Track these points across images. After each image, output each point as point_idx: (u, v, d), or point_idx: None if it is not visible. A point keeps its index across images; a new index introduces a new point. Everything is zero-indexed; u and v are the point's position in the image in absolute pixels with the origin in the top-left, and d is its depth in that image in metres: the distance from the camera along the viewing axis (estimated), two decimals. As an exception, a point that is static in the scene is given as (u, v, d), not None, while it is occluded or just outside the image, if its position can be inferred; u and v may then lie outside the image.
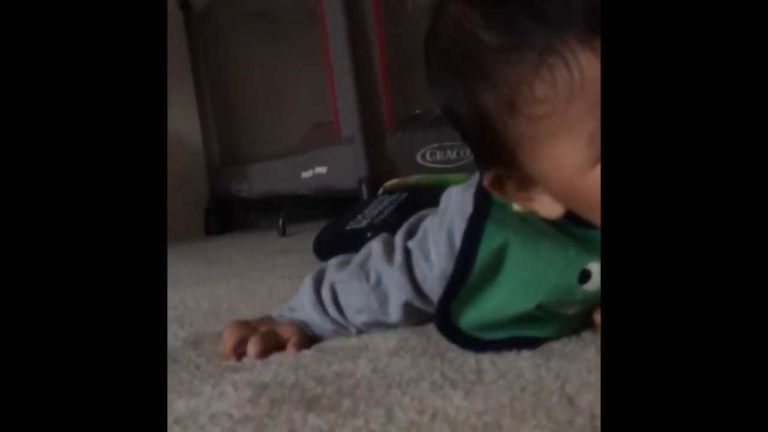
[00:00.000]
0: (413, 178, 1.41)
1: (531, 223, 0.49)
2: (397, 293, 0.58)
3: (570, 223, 0.48)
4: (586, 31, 0.38)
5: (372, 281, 0.59)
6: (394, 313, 0.58)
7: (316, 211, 1.76)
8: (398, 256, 0.58)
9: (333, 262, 0.65)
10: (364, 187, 1.42)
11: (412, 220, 0.64)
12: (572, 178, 0.43)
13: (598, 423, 0.37)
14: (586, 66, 0.38)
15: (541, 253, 0.48)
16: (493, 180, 0.47)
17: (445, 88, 0.46)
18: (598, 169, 0.41)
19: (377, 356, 0.55)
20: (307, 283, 0.62)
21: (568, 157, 0.42)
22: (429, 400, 0.44)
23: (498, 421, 0.39)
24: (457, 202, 0.55)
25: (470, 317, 0.51)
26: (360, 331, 0.62)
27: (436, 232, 0.56)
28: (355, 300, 0.60)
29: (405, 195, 1.26)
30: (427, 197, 0.77)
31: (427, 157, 1.49)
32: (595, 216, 0.45)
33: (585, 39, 0.38)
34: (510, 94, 0.41)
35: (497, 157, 0.45)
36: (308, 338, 0.61)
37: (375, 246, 0.61)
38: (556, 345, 0.51)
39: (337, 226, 1.22)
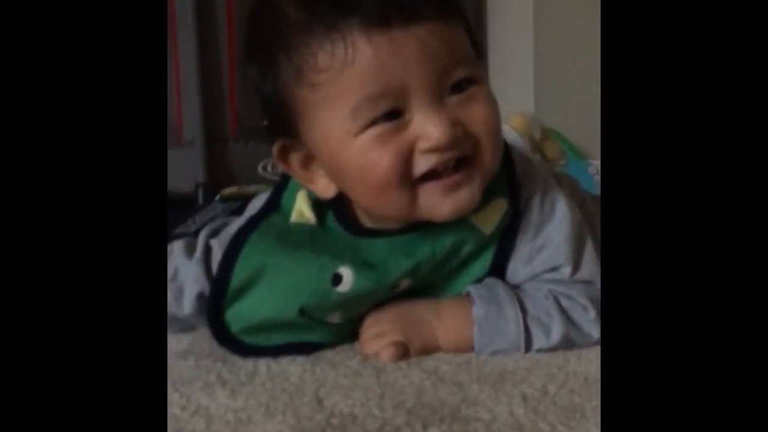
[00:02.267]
0: (252, 189, 1.44)
1: (292, 235, 0.56)
2: (193, 285, 0.59)
3: (340, 227, 0.55)
4: (368, 20, 0.47)
5: (170, 275, 0.60)
6: (188, 306, 0.60)
7: (153, 211, 1.72)
8: (199, 250, 0.61)
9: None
10: (200, 192, 1.42)
11: (219, 221, 0.68)
12: (337, 147, 0.50)
13: (333, 419, 0.43)
14: (359, 48, 0.47)
15: (298, 261, 0.54)
16: (280, 150, 0.54)
17: (254, 63, 0.52)
18: (356, 142, 0.49)
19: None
20: None
21: (334, 126, 0.50)
22: (196, 397, 0.48)
23: (250, 417, 0.44)
24: (254, 208, 0.60)
25: (240, 323, 0.55)
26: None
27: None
28: None
29: (239, 204, 1.28)
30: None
31: (269, 168, 1.52)
32: (355, 191, 0.52)
33: (365, 26, 0.47)
34: (299, 62, 0.49)
35: (284, 127, 0.52)
36: None
37: (177, 244, 0.63)
38: (328, 353, 0.57)
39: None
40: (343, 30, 0.47)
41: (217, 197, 1.41)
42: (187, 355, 0.58)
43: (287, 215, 0.57)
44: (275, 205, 0.58)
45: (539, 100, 1.61)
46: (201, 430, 0.42)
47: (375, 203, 0.52)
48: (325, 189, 0.54)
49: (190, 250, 0.62)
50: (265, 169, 1.54)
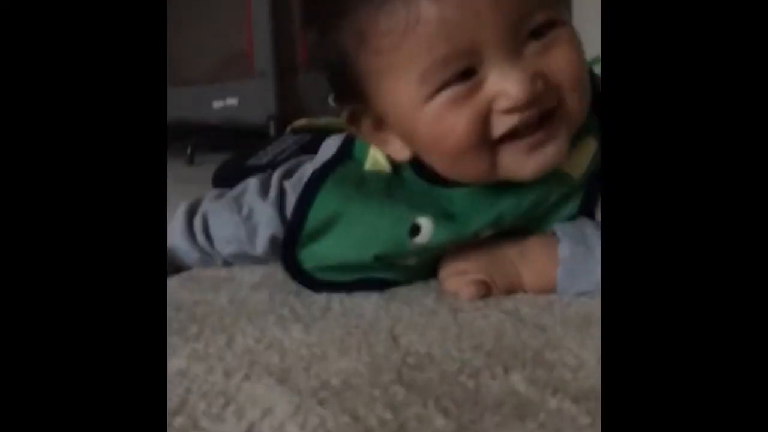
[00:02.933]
0: (322, 120, 1.42)
1: (369, 183, 0.53)
2: (266, 227, 0.60)
3: (417, 177, 0.52)
4: None
5: (244, 214, 0.61)
6: (261, 246, 0.61)
7: (226, 143, 1.75)
8: (273, 192, 0.61)
9: (210, 194, 0.67)
10: (272, 124, 1.42)
11: (292, 161, 0.67)
12: (408, 113, 0.47)
13: (410, 358, 0.42)
14: (423, 7, 0.43)
15: (375, 210, 0.52)
16: (350, 116, 0.51)
17: (313, 27, 0.49)
18: (428, 107, 0.46)
19: (239, 288, 0.58)
20: (181, 211, 0.64)
21: (404, 92, 0.46)
22: (270, 330, 0.47)
23: (324, 352, 0.43)
24: (329, 151, 0.58)
25: (314, 262, 0.54)
26: (226, 262, 0.64)
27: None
28: (226, 230, 0.62)
29: (310, 136, 1.27)
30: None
31: (339, 100, 1.50)
32: (431, 156, 0.49)
33: None
34: (360, 27, 0.45)
35: (352, 92, 0.49)
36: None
37: (252, 182, 0.64)
38: (402, 290, 0.55)
39: (238, 160, 1.22)
40: None
41: (288, 129, 1.41)
42: (261, 287, 0.58)
43: (361, 162, 0.54)
44: (348, 151, 0.56)
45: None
46: (275, 364, 0.42)
47: (453, 168, 0.49)
48: (399, 152, 0.51)
49: (264, 190, 0.62)
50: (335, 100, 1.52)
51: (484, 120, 0.45)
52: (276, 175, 0.63)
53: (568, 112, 0.47)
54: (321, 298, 0.54)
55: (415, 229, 0.51)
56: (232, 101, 1.56)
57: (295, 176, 0.62)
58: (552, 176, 0.50)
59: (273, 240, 0.60)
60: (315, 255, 0.54)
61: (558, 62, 0.45)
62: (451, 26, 0.43)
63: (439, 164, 0.50)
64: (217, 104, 1.61)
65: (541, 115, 0.46)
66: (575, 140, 0.50)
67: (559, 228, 0.52)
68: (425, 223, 0.51)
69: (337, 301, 0.53)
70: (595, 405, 0.35)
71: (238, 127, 1.60)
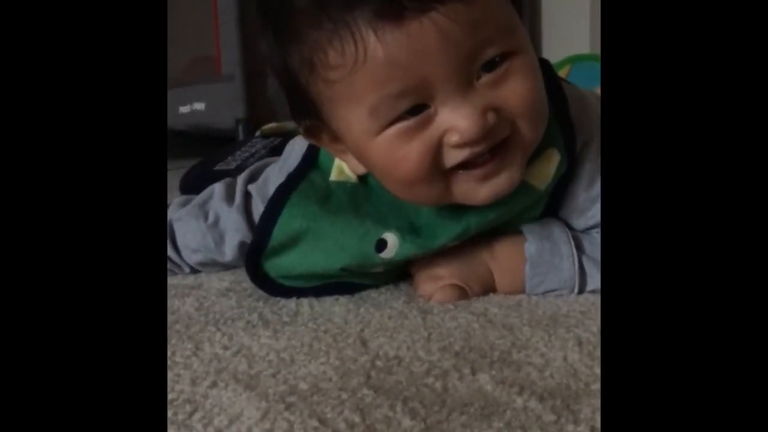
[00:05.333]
0: (291, 124, 1.41)
1: (334, 197, 0.52)
2: (234, 233, 0.60)
3: (383, 187, 0.51)
4: (375, 15, 0.41)
5: (210, 221, 0.61)
6: (229, 253, 0.60)
7: (194, 148, 1.73)
8: (238, 198, 0.60)
9: (176, 201, 0.66)
10: (240, 128, 1.41)
11: (256, 165, 0.67)
12: (361, 141, 0.47)
13: (378, 361, 0.42)
14: (370, 45, 0.42)
15: (340, 227, 0.51)
16: (308, 130, 0.50)
17: (265, 41, 0.48)
18: (380, 138, 0.45)
19: (206, 295, 0.57)
20: None
21: (355, 123, 0.46)
22: (239, 337, 0.47)
23: (293, 357, 0.43)
24: (295, 154, 0.58)
25: (279, 272, 0.54)
26: (194, 270, 0.63)
27: (276, 178, 0.58)
28: (192, 239, 0.61)
29: (278, 140, 1.26)
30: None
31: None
32: (385, 181, 0.49)
33: (372, 21, 0.42)
34: (310, 55, 0.44)
35: (306, 111, 0.48)
36: None
37: (217, 188, 0.63)
38: (372, 293, 0.55)
39: (206, 165, 1.21)
40: (351, 26, 0.42)
41: (257, 133, 1.40)
42: (229, 293, 0.57)
43: (327, 172, 0.54)
44: (313, 160, 0.55)
45: (597, 39, 1.51)
46: (243, 370, 0.41)
47: (406, 194, 0.49)
48: (357, 167, 0.51)
49: (230, 196, 0.61)
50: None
51: (436, 152, 0.45)
52: (241, 180, 0.63)
53: (522, 139, 0.46)
54: (290, 303, 0.54)
55: (382, 244, 0.51)
56: (199, 106, 1.54)
57: (260, 179, 0.61)
58: (518, 189, 0.49)
59: (241, 245, 0.60)
60: (280, 267, 0.54)
61: (511, 93, 0.44)
62: (399, 66, 0.42)
63: (394, 190, 0.49)
64: (183, 109, 1.59)
65: (494, 145, 0.45)
66: (539, 153, 0.50)
67: (526, 227, 0.52)
68: (391, 239, 0.51)
69: (307, 305, 0.53)
70: (561, 403, 0.36)
71: (206, 132, 1.58)
